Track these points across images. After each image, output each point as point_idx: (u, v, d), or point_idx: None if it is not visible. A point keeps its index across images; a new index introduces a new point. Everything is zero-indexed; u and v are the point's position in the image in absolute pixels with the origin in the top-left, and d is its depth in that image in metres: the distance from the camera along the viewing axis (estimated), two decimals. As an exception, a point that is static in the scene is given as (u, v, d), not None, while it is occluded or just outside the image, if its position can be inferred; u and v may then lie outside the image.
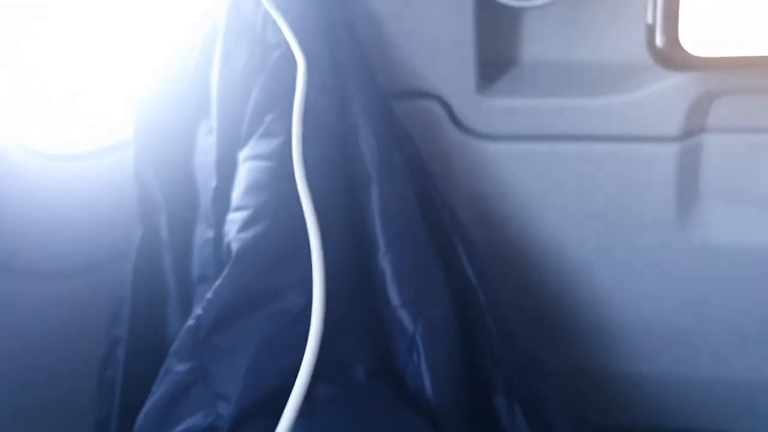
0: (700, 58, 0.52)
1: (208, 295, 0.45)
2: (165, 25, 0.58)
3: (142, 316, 0.54)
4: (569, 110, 0.60)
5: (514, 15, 0.62)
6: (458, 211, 0.58)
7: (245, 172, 0.50)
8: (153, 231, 0.55)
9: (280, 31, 0.52)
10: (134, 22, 0.61)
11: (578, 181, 0.61)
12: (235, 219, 0.48)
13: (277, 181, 0.48)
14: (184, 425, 0.42)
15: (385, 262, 0.50)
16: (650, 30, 0.52)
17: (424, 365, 0.48)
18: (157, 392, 0.44)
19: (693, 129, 0.59)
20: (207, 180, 0.53)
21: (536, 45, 0.62)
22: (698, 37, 0.52)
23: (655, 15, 0.51)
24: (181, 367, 0.44)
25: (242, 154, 0.51)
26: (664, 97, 0.57)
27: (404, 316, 0.49)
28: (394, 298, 0.49)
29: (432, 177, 0.58)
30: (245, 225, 0.47)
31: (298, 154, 0.46)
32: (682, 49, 0.51)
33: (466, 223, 0.58)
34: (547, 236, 0.63)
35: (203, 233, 0.53)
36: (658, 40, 0.51)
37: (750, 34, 0.52)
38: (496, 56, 0.62)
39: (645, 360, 0.66)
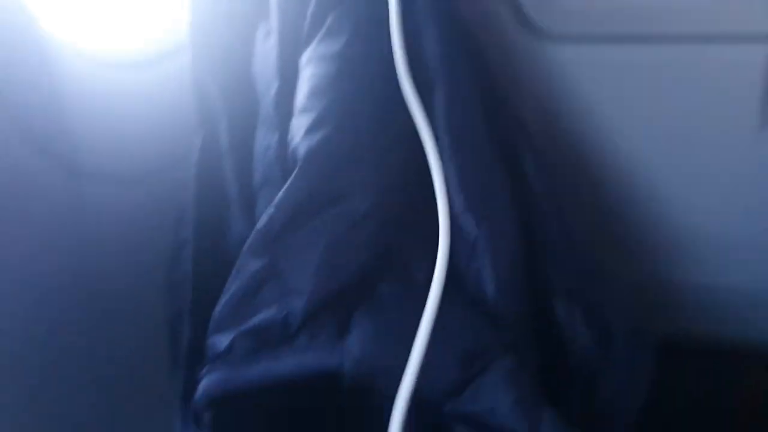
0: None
1: (279, 195, 0.46)
2: None
3: (206, 220, 0.56)
4: (648, 8, 0.56)
5: None
6: (525, 116, 0.56)
7: (308, 74, 0.49)
8: (213, 137, 0.56)
9: None
10: None
11: (654, 85, 0.58)
12: (300, 123, 0.47)
13: (340, 83, 0.47)
14: (258, 318, 0.44)
15: (449, 168, 0.49)
16: None
17: (486, 269, 0.49)
18: (232, 288, 0.46)
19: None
20: (268, 84, 0.53)
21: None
22: None
23: None
24: (254, 264, 0.46)
25: (304, 56, 0.50)
26: None
27: (467, 220, 0.49)
28: (457, 203, 0.49)
29: (498, 81, 0.56)
30: (310, 129, 0.47)
31: (400, 45, 0.44)
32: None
33: (533, 128, 0.56)
34: (618, 143, 0.61)
35: (265, 138, 0.53)
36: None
37: None
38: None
39: (713, 271, 0.64)
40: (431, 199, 0.50)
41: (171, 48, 0.61)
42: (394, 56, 0.46)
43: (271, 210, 0.46)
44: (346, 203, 0.46)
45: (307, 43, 0.50)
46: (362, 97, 0.47)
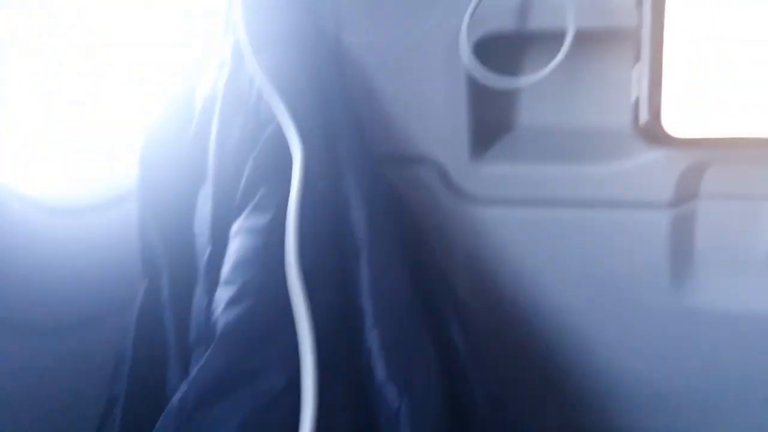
0: (680, 138, 0.52)
1: (193, 372, 0.46)
2: (167, 81, 0.59)
3: (141, 374, 0.55)
4: (563, 177, 0.60)
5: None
6: (453, 277, 0.59)
7: (235, 245, 0.50)
8: (155, 288, 0.56)
9: (273, 106, 0.54)
10: (137, 75, 0.62)
11: (572, 246, 0.61)
12: (221, 296, 0.48)
13: (264, 258, 0.49)
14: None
15: (372, 337, 0.50)
16: (635, 106, 0.52)
17: None
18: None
19: (685, 196, 0.59)
20: (204, 246, 0.54)
21: (531, 110, 0.63)
22: (684, 114, 0.52)
23: (639, 91, 0.51)
24: (164, 447, 0.45)
25: (234, 227, 0.52)
26: (656, 165, 0.58)
27: (389, 390, 0.49)
28: (380, 373, 0.49)
29: (426, 244, 0.58)
30: (231, 302, 0.48)
31: (294, 234, 0.47)
32: (663, 128, 0.51)
33: (462, 288, 0.58)
34: (542, 300, 0.63)
35: (200, 298, 0.53)
36: (641, 117, 0.51)
37: (734, 112, 0.52)
38: (490, 121, 0.63)
39: (636, 420, 0.65)
40: (355, 371, 0.50)
41: (113, 196, 0.61)
42: (286, 246, 0.48)
43: (184, 387, 0.46)
44: (261, 381, 0.46)
45: (237, 213, 0.52)
46: (284, 274, 0.48)
